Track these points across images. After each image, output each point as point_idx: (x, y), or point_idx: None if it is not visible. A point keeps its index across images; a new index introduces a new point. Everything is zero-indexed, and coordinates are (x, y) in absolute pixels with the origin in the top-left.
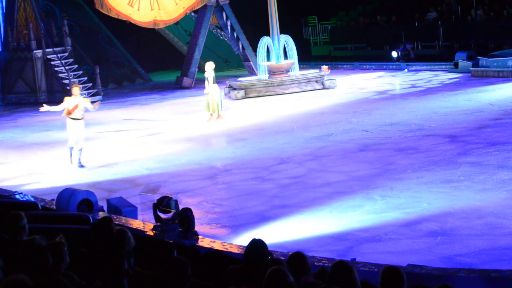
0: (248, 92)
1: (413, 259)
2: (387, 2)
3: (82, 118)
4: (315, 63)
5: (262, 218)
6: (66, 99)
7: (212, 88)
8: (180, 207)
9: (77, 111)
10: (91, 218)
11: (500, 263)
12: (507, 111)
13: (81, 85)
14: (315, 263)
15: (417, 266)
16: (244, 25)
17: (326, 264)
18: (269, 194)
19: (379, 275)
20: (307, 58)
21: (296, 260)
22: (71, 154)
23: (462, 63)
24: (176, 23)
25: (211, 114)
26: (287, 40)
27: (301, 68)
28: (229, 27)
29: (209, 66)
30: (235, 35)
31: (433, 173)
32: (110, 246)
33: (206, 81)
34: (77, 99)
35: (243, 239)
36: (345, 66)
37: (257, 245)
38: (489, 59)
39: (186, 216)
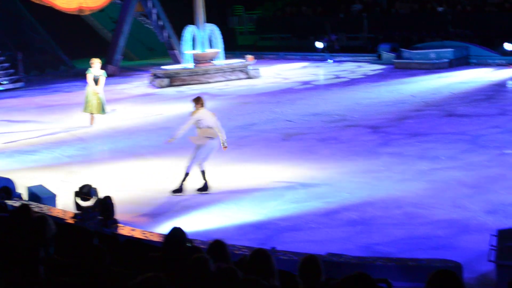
0: (172, 81)
1: (332, 248)
2: None
3: None
4: (240, 53)
5: (184, 207)
6: None
7: (93, 88)
8: (101, 195)
9: None
10: (8, 206)
11: (417, 252)
12: (428, 103)
13: (2, 71)
14: (235, 252)
15: (336, 255)
16: (169, 13)
17: (246, 253)
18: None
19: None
20: (232, 48)
21: (216, 248)
22: None
23: (386, 55)
24: (102, 10)
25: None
26: (213, 29)
27: (226, 58)
28: (154, 15)
29: (95, 63)
30: (160, 23)
31: (354, 163)
32: (27, 233)
33: (90, 78)
34: None
35: (163, 228)
36: (270, 56)
37: (176, 233)
38: (412, 51)
39: (107, 204)
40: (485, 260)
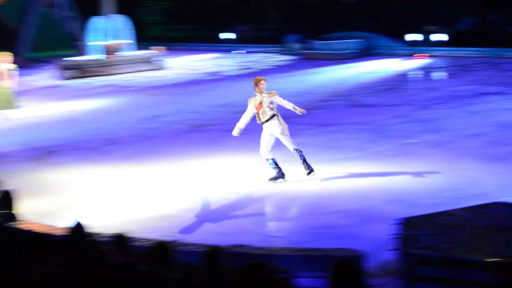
0: (80, 72)
1: (237, 239)
2: None
3: None
4: (150, 44)
5: (88, 200)
6: None
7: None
8: (2, 188)
9: None
10: None
11: (321, 242)
12: (334, 93)
13: None
14: (140, 244)
15: (239, 246)
16: (77, 4)
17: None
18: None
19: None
20: (142, 39)
21: (118, 241)
22: None
23: (294, 46)
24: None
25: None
26: (122, 20)
27: (136, 49)
28: (61, 6)
29: (5, 58)
30: (68, 14)
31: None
32: None
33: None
34: None
35: (66, 222)
36: (180, 47)
37: (77, 227)
38: (319, 42)
39: (8, 199)
40: (389, 248)
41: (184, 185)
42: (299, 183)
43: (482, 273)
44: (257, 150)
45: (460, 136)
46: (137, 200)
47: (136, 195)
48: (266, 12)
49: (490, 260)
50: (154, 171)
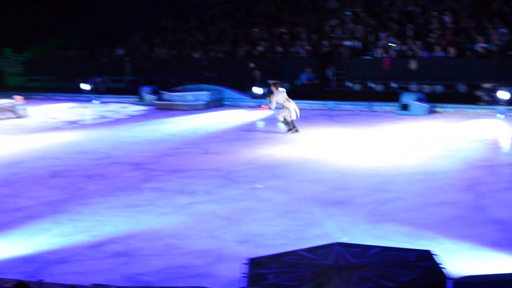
0: None
1: (98, 278)
2: (78, 38)
3: None
4: (9, 93)
5: None
6: None
7: None
8: None
9: None
10: None
11: (176, 281)
12: (186, 141)
13: None
14: (3, 285)
15: (101, 286)
16: None
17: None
18: None
19: None
20: (2, 88)
21: None
22: None
23: (148, 97)
24: None
25: None
26: None
27: None
28: None
29: None
30: None
31: (118, 198)
32: None
33: None
34: None
35: None
36: (38, 96)
37: None
38: (171, 93)
39: None
40: (237, 286)
41: (45, 228)
42: (153, 227)
43: None
44: (114, 196)
45: (302, 181)
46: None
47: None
48: (121, 64)
49: None
50: (14, 214)
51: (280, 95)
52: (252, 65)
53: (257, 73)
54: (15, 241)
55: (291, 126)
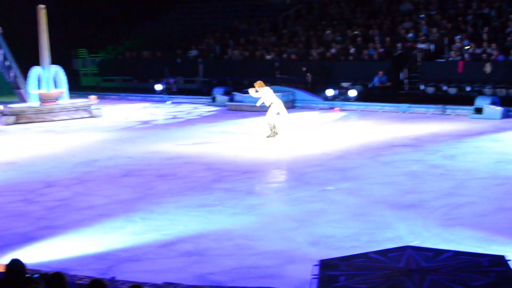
0: (18, 118)
1: (169, 277)
2: (152, 39)
3: None
4: (84, 93)
5: (28, 239)
6: None
7: None
8: None
9: None
10: None
11: (247, 281)
12: (257, 142)
13: None
14: (77, 282)
15: (172, 284)
16: (16, 53)
17: (86, 282)
18: (35, 216)
19: None
20: (76, 88)
21: (56, 279)
22: None
23: (220, 98)
24: None
25: None
26: (58, 70)
27: (70, 97)
28: (1, 56)
29: None
30: (7, 63)
31: (189, 198)
32: None
33: None
34: None
35: (8, 259)
36: (112, 96)
37: (15, 264)
38: (243, 94)
39: None
40: None
41: (118, 226)
42: (224, 227)
43: None
44: (186, 195)
45: (373, 184)
46: (72, 239)
47: (71, 234)
48: (194, 66)
49: None
50: (89, 212)
51: (268, 94)
52: (304, 68)
53: (308, 75)
54: (88, 238)
55: (272, 132)
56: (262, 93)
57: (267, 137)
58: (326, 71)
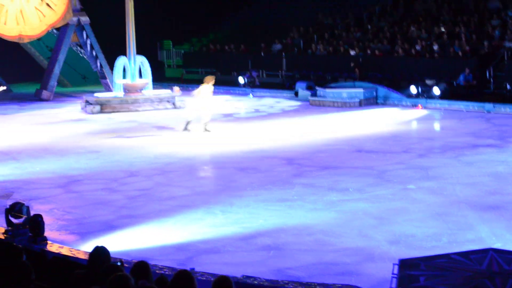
0: (103, 108)
1: (248, 270)
2: (236, 31)
3: None
4: (167, 84)
5: (110, 227)
6: None
7: None
8: (32, 213)
9: None
10: None
11: (325, 277)
12: (338, 138)
13: None
14: (157, 271)
15: (250, 277)
16: (103, 44)
17: (166, 272)
18: (117, 205)
19: None
20: (160, 79)
21: (140, 267)
22: None
23: (302, 92)
24: (39, 39)
25: None
26: (143, 61)
27: (154, 88)
28: (88, 46)
29: None
30: (94, 53)
31: (270, 192)
32: None
33: None
34: None
35: (90, 246)
36: (195, 88)
37: (99, 252)
38: (326, 90)
39: (37, 222)
40: (387, 287)
41: (198, 218)
42: (304, 222)
43: None
44: (266, 189)
45: (456, 184)
46: (152, 229)
47: (153, 225)
48: (277, 60)
49: None
50: (170, 203)
51: (209, 90)
52: (352, 64)
53: (356, 71)
54: (169, 229)
55: (186, 126)
56: (202, 88)
57: (184, 130)
58: (376, 66)
